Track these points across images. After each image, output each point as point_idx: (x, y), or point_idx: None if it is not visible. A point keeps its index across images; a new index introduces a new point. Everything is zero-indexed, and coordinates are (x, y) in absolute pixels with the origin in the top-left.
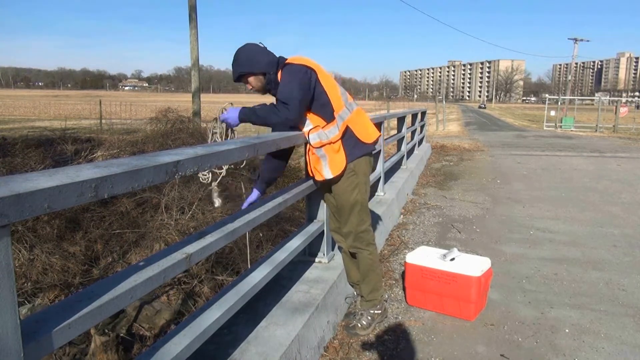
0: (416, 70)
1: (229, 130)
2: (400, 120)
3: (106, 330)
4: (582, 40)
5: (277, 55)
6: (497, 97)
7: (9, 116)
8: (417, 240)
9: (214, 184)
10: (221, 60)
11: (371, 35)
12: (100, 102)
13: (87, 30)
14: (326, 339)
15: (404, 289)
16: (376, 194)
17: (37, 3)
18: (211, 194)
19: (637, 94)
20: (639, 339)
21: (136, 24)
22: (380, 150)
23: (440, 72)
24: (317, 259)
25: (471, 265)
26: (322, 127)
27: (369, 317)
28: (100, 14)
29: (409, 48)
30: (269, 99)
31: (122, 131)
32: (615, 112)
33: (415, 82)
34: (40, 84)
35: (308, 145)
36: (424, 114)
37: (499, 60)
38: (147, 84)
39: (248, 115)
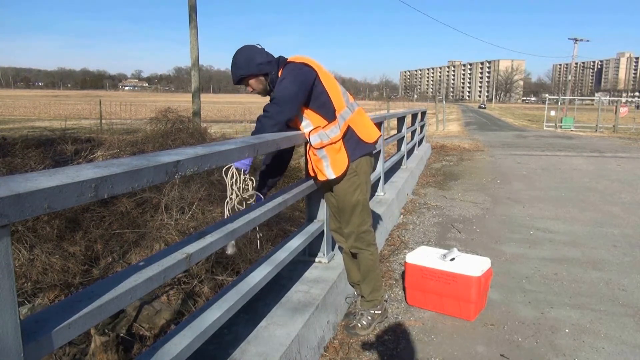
0: (416, 70)
1: (244, 175)
2: (400, 120)
3: (106, 330)
4: (582, 40)
5: (277, 56)
6: (497, 97)
7: (9, 116)
8: (417, 240)
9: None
10: (221, 60)
11: (371, 35)
12: (100, 102)
13: (87, 30)
14: (326, 339)
15: (404, 289)
16: (376, 194)
17: (37, 3)
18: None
19: (637, 94)
20: (639, 339)
21: (136, 24)
22: (380, 150)
23: (440, 72)
24: (317, 259)
25: (471, 265)
26: (323, 127)
27: (369, 317)
28: (100, 14)
29: (409, 48)
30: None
31: (122, 131)
32: (615, 112)
33: (415, 82)
34: (40, 84)
35: (308, 145)
36: (424, 114)
37: (499, 60)
38: (147, 84)
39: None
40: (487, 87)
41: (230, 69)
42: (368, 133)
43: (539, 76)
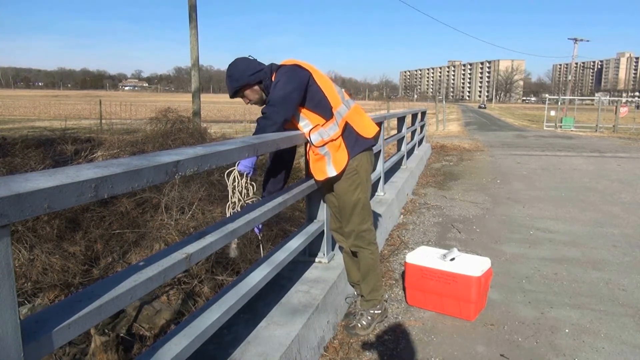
0: (416, 70)
1: (246, 179)
2: (400, 120)
3: (106, 330)
4: (582, 40)
5: (269, 63)
6: (497, 97)
7: (9, 116)
8: (417, 240)
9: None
10: (221, 60)
11: (371, 35)
12: (100, 102)
13: (87, 30)
14: (326, 339)
15: (404, 289)
16: (376, 194)
17: (37, 3)
18: (229, 244)
19: (637, 94)
20: (639, 339)
21: (136, 24)
22: (380, 150)
23: (440, 72)
24: (317, 259)
25: (471, 265)
26: (322, 126)
27: (369, 317)
28: (100, 14)
29: (409, 48)
30: None
31: (122, 131)
32: (615, 112)
33: (415, 82)
34: (40, 84)
35: (309, 145)
36: (424, 114)
37: (499, 60)
38: (147, 84)
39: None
40: (487, 87)
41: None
42: (366, 128)
43: (539, 76)
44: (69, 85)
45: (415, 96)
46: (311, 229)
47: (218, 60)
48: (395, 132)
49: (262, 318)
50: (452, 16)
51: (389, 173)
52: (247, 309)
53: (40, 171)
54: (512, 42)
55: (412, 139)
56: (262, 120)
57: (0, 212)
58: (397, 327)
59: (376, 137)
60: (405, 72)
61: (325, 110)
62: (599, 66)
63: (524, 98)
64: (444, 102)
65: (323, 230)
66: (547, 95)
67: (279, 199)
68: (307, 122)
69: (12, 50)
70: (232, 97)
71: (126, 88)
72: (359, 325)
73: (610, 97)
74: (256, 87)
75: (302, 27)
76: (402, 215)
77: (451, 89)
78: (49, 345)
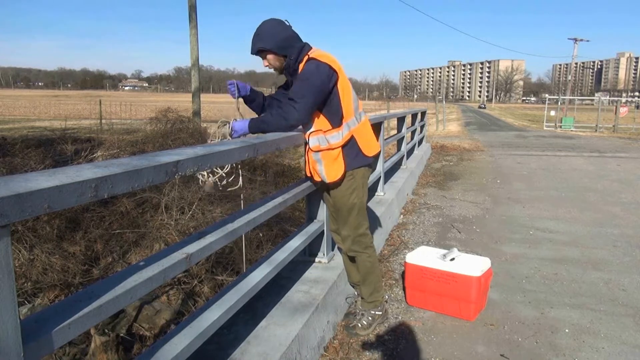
0: (416, 70)
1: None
2: (400, 120)
3: (106, 330)
4: (582, 40)
5: (304, 41)
6: (497, 97)
7: (9, 116)
8: (417, 240)
9: (212, 177)
10: (221, 60)
11: (371, 35)
12: (100, 102)
13: (87, 30)
14: (326, 339)
15: (404, 289)
16: (376, 194)
17: (37, 3)
18: (206, 179)
19: (637, 94)
20: (639, 339)
21: (136, 24)
22: (380, 150)
23: (440, 72)
24: (317, 259)
25: (471, 265)
26: (324, 132)
27: (370, 318)
28: (100, 14)
29: (409, 48)
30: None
31: (122, 131)
32: (615, 112)
33: (415, 82)
34: (40, 84)
35: (307, 145)
36: (423, 114)
37: (499, 60)
38: (147, 84)
39: (258, 126)
40: (487, 87)
41: (230, 67)
42: (369, 146)
43: (539, 76)
44: (69, 85)
45: (415, 96)
46: (311, 229)
47: (218, 60)
48: (395, 132)
49: (262, 318)
50: (452, 16)
51: (389, 173)
52: (247, 309)
53: (40, 171)
54: (512, 42)
55: (412, 139)
56: (290, 110)
57: (0, 212)
58: (397, 327)
59: (376, 157)
60: (405, 72)
61: (334, 118)
62: (599, 66)
63: (524, 98)
64: (443, 102)
65: (323, 230)
66: (547, 95)
67: (279, 199)
68: (311, 123)
69: (12, 50)
70: (253, 54)
71: (126, 88)
72: (360, 325)
73: (610, 97)
74: (281, 57)
75: (302, 27)
76: (402, 215)
77: (451, 89)
78: (49, 345)
